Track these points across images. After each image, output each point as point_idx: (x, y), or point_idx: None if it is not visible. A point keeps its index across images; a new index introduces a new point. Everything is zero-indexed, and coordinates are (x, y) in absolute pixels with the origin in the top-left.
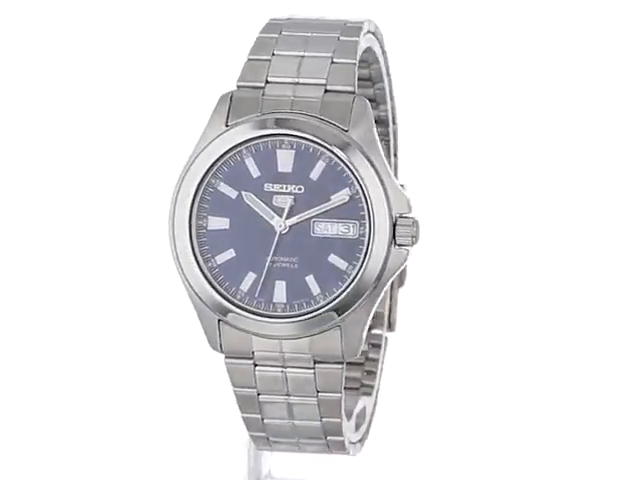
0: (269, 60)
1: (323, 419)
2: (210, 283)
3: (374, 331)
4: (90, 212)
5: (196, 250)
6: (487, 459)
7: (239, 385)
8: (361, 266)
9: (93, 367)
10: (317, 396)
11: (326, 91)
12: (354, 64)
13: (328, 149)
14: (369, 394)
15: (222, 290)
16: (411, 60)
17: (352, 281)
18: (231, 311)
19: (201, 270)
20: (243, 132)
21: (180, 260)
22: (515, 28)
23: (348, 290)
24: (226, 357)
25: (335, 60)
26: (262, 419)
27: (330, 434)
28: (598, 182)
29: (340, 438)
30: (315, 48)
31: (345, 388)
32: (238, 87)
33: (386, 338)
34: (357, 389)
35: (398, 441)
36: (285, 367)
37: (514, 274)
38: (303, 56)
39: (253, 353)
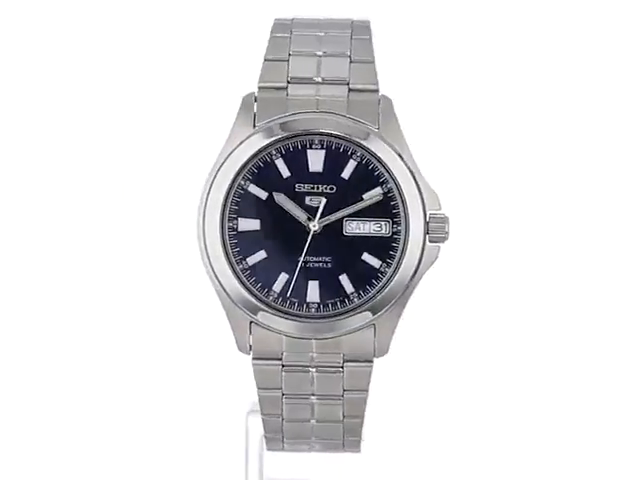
0: (287, 60)
1: (345, 419)
2: (243, 284)
3: None
4: (100, 216)
5: (228, 252)
6: (484, 459)
7: (264, 387)
8: (397, 264)
9: (95, 368)
10: (343, 395)
11: (350, 90)
12: (373, 62)
13: (362, 147)
14: None
15: (255, 290)
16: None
17: (388, 280)
18: (264, 311)
19: (233, 271)
20: (272, 133)
21: (212, 262)
22: (511, 28)
23: (384, 288)
24: (254, 359)
25: (354, 59)
26: (282, 420)
27: (349, 434)
28: (598, 185)
29: (357, 438)
30: (331, 47)
31: None
32: (260, 88)
33: None
34: None
35: (395, 440)
36: (314, 367)
37: (500, 274)
38: (320, 55)
39: (282, 354)
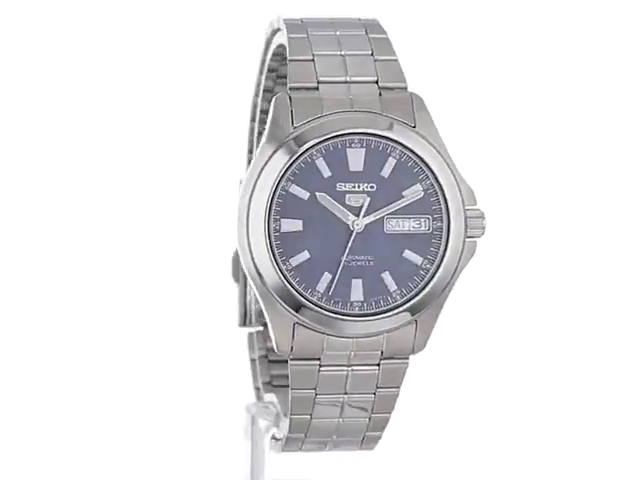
0: (312, 60)
1: (373, 415)
2: (290, 283)
3: None
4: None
5: (275, 253)
6: (485, 461)
7: (299, 387)
8: (440, 261)
9: (92, 368)
10: (375, 392)
11: (380, 88)
12: (397, 60)
13: (401, 144)
14: None
15: (300, 291)
16: None
17: (432, 277)
18: (309, 311)
19: (280, 272)
20: (312, 134)
21: (257, 264)
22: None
23: (427, 285)
24: (292, 359)
25: (377, 57)
26: (310, 420)
27: (373, 429)
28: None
29: (379, 433)
30: (351, 46)
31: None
32: (291, 88)
33: None
34: None
35: (396, 440)
36: (350, 365)
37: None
38: (343, 55)
39: (322, 353)
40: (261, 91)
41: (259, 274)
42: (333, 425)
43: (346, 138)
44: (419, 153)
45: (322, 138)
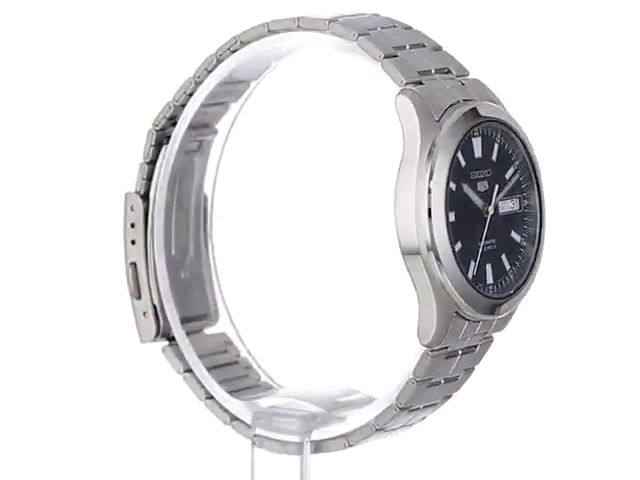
0: (396, 56)
1: (444, 398)
2: (464, 275)
3: (208, 331)
4: None
5: (453, 246)
6: (486, 461)
7: (425, 378)
8: (539, 239)
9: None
10: (461, 374)
11: (456, 77)
12: (443, 49)
13: (506, 125)
14: (271, 387)
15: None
16: None
17: (535, 255)
18: (471, 298)
19: (457, 265)
20: (455, 128)
21: (439, 253)
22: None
23: (534, 265)
24: (432, 350)
25: (433, 48)
26: (406, 410)
27: (430, 412)
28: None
29: (426, 414)
30: (404, 40)
31: (247, 388)
32: (407, 83)
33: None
34: (258, 386)
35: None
36: (464, 349)
37: None
38: (409, 49)
39: (455, 340)
40: (197, 103)
41: (442, 265)
42: (410, 415)
43: (473, 128)
44: (521, 134)
45: (464, 131)
